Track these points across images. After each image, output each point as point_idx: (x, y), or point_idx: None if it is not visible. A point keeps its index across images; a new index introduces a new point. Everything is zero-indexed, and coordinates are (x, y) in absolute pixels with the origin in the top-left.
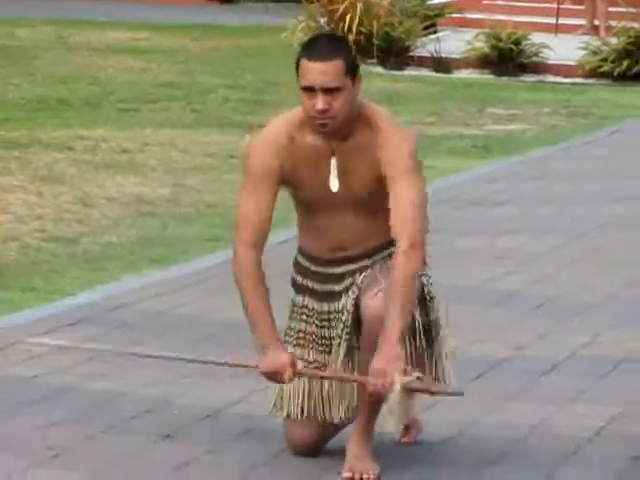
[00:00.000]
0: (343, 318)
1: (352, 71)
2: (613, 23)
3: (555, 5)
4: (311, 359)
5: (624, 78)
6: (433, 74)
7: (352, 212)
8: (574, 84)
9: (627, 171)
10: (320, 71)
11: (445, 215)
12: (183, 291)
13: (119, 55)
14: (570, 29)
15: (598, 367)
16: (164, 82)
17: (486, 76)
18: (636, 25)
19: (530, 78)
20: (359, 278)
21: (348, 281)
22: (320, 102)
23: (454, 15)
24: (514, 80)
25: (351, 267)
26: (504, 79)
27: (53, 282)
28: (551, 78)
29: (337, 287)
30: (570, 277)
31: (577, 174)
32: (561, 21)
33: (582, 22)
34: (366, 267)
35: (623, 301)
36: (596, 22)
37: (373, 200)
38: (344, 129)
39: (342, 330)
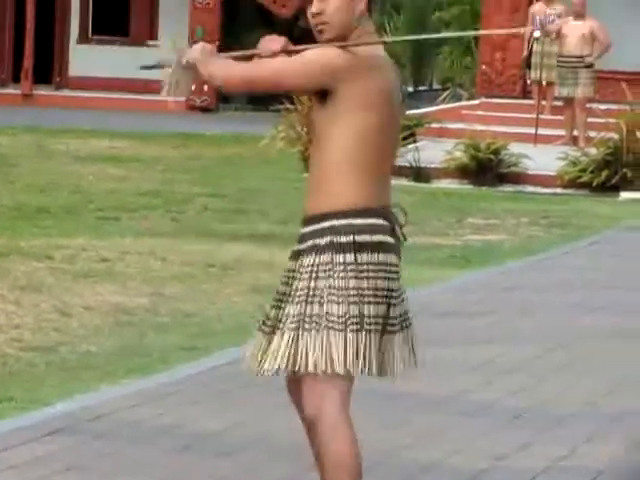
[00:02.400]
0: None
1: None
2: (592, 134)
3: (534, 115)
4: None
5: (603, 189)
6: (412, 184)
7: (317, 148)
8: (553, 194)
9: (606, 282)
10: None
11: (423, 325)
12: (161, 401)
13: (100, 163)
14: (549, 139)
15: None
16: (144, 191)
17: (465, 186)
18: (615, 136)
19: (509, 188)
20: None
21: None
22: (313, 6)
23: (433, 125)
24: (493, 190)
25: (306, 230)
26: (483, 189)
27: (31, 391)
28: (530, 188)
29: (299, 246)
30: (548, 388)
31: (556, 285)
32: (540, 131)
33: (561, 132)
34: (311, 236)
35: (601, 412)
36: (575, 132)
37: (331, 132)
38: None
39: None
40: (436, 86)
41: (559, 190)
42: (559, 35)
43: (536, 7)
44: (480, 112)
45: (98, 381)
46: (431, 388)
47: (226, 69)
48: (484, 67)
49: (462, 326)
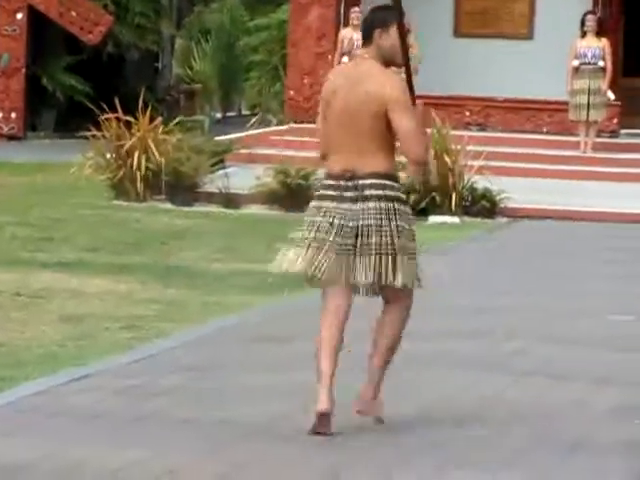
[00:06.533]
0: None
1: None
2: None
3: None
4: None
5: (412, 213)
6: (222, 210)
7: None
8: None
9: None
10: None
11: (233, 351)
12: None
13: None
14: None
15: None
16: None
17: (275, 212)
18: None
19: None
20: None
21: None
22: None
23: (242, 151)
24: (304, 215)
25: None
26: (294, 214)
27: None
28: None
29: None
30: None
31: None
32: None
33: None
34: None
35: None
36: None
37: None
38: None
39: None
40: (245, 112)
41: None
42: None
43: (344, 32)
44: (289, 137)
45: None
46: (245, 416)
47: None
48: (292, 93)
49: (273, 351)
